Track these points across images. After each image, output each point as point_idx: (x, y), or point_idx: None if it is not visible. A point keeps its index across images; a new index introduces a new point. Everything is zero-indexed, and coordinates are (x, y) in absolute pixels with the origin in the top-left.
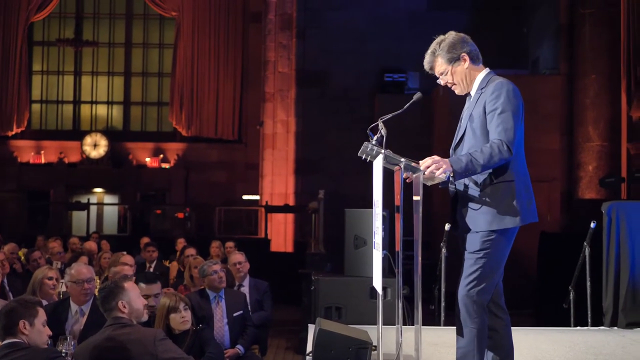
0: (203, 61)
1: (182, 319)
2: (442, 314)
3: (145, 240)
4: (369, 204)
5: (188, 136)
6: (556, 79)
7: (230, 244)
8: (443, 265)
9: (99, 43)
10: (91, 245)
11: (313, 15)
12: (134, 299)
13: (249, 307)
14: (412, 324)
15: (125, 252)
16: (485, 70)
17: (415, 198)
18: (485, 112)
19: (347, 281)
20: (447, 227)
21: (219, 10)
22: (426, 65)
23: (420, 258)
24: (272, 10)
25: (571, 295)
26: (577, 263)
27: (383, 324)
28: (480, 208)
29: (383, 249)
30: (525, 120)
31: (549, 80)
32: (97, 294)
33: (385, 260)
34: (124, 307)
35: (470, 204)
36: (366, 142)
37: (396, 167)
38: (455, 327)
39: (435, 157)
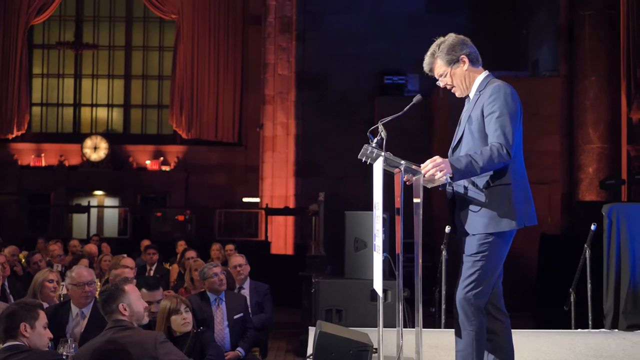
0: (203, 64)
1: (184, 321)
2: (443, 317)
3: (146, 242)
4: (369, 207)
5: (188, 139)
6: (556, 81)
7: (230, 246)
8: (443, 267)
9: (99, 46)
10: (92, 247)
11: (313, 18)
12: (135, 301)
13: (250, 309)
14: (413, 327)
15: (125, 255)
16: (485, 73)
17: (415, 200)
18: (483, 115)
19: (348, 284)
20: (447, 229)
21: (218, 13)
22: (426, 66)
23: (420, 260)
24: (272, 13)
25: (572, 297)
26: (578, 265)
27: (383, 327)
28: (477, 211)
29: (383, 252)
30: (525, 122)
31: (548, 82)
32: (97, 296)
33: (386, 263)
34: (125, 309)
35: (468, 207)
36: (366, 145)
37: (396, 170)
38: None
39: (437, 160)
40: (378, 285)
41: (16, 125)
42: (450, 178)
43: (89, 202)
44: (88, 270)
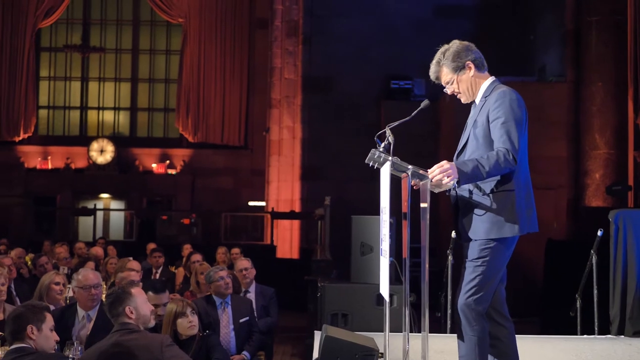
0: (209, 67)
1: (190, 324)
2: (449, 322)
3: (152, 246)
4: (375, 211)
5: (194, 142)
6: (562, 87)
7: (236, 250)
8: (449, 272)
9: (106, 49)
10: (98, 250)
11: (319, 22)
12: (141, 304)
13: (255, 313)
14: (419, 332)
15: (131, 258)
16: (491, 79)
17: (422, 205)
18: (488, 121)
19: (353, 288)
20: (453, 234)
21: (225, 17)
22: (432, 75)
23: (427, 265)
24: (279, 17)
25: (578, 303)
26: (584, 271)
27: (390, 331)
28: (479, 216)
29: (390, 256)
30: (532, 127)
31: (555, 87)
32: (104, 299)
33: (392, 267)
34: (131, 312)
35: (471, 212)
36: (373, 149)
37: (403, 175)
38: None
39: (445, 165)
40: (384, 289)
41: (23, 127)
42: (457, 182)
43: (95, 205)
44: (94, 273)
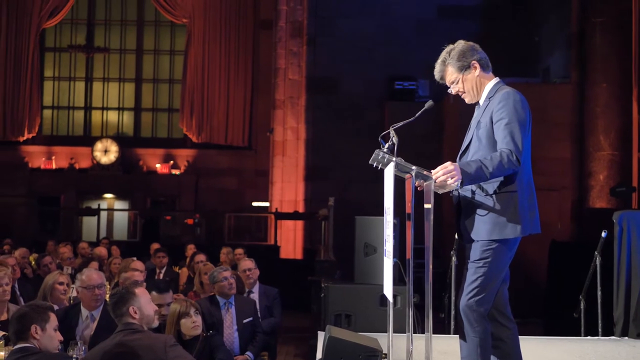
0: (214, 68)
1: (193, 324)
2: (452, 323)
3: (156, 246)
4: (379, 212)
5: (198, 142)
6: (567, 88)
7: (239, 250)
8: (453, 273)
9: (110, 49)
10: (101, 250)
11: (323, 23)
12: (145, 304)
13: (259, 313)
14: (423, 332)
15: (135, 258)
16: (495, 80)
17: (426, 206)
18: (492, 122)
19: (357, 288)
20: (457, 235)
21: (229, 18)
22: (437, 74)
23: (431, 266)
24: (283, 17)
25: (582, 304)
26: (588, 272)
27: (393, 332)
28: (482, 217)
29: (394, 257)
30: (536, 128)
31: (559, 88)
32: (107, 299)
33: (396, 268)
34: (135, 313)
35: (473, 212)
36: (377, 150)
37: (407, 175)
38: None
39: (449, 167)
40: (388, 290)
41: (27, 127)
42: (460, 183)
43: (99, 205)
44: (98, 273)
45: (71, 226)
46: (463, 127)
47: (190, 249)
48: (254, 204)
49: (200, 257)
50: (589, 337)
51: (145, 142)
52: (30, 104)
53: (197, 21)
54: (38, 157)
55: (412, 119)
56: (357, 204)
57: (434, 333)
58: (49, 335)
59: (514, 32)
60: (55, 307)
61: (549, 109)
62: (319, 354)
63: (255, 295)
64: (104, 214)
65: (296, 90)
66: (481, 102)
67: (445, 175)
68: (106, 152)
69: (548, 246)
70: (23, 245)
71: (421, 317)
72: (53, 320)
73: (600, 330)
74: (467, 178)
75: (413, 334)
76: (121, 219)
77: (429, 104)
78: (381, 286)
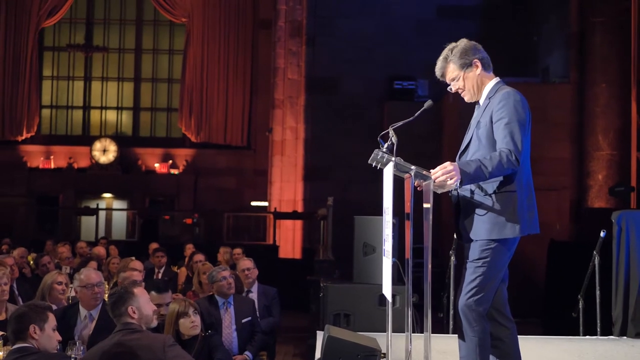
0: (213, 67)
1: (192, 324)
2: (451, 322)
3: (154, 245)
4: (378, 211)
5: (197, 142)
6: (566, 88)
7: (238, 250)
8: (452, 273)
9: (109, 49)
10: (100, 250)
11: (323, 23)
12: (144, 304)
13: (258, 313)
14: (421, 332)
15: (134, 258)
16: (495, 79)
17: (425, 206)
18: (491, 121)
19: (356, 288)
20: (456, 234)
21: (229, 17)
22: (438, 71)
23: (430, 266)
24: (282, 17)
25: (580, 304)
26: (587, 272)
27: (392, 332)
28: (481, 217)
29: (393, 257)
30: (535, 128)
31: (559, 88)
32: (106, 299)
33: (395, 268)
34: (134, 312)
35: (472, 212)
36: (377, 150)
37: (406, 175)
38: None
39: (448, 167)
40: (387, 290)
41: (26, 127)
42: (459, 182)
43: (97, 204)
44: (96, 272)
45: (70, 226)
46: (462, 126)
47: (189, 248)
48: (253, 203)
49: (199, 256)
50: (587, 337)
51: (144, 141)
52: (29, 104)
53: (196, 20)
54: (36, 157)
55: (411, 118)
56: (356, 203)
57: (432, 333)
58: (47, 335)
59: (514, 32)
60: (54, 307)
61: (548, 109)
62: (317, 354)
63: (254, 295)
64: (102, 214)
65: (295, 90)
66: (481, 101)
67: (444, 175)
68: (105, 152)
69: (547, 246)
70: (21, 244)
71: (420, 316)
72: (52, 320)
73: (598, 329)
74: (466, 178)
75: (412, 334)
76: (120, 218)
77: (428, 103)
78: (380, 286)
